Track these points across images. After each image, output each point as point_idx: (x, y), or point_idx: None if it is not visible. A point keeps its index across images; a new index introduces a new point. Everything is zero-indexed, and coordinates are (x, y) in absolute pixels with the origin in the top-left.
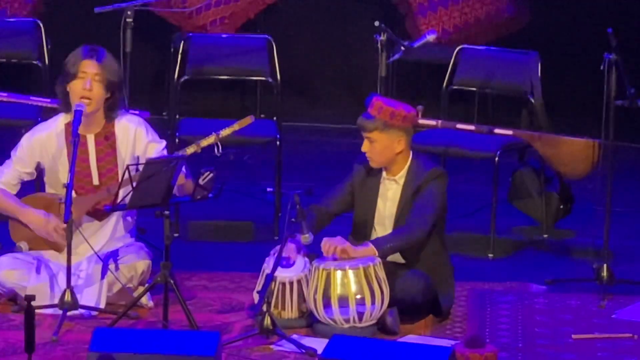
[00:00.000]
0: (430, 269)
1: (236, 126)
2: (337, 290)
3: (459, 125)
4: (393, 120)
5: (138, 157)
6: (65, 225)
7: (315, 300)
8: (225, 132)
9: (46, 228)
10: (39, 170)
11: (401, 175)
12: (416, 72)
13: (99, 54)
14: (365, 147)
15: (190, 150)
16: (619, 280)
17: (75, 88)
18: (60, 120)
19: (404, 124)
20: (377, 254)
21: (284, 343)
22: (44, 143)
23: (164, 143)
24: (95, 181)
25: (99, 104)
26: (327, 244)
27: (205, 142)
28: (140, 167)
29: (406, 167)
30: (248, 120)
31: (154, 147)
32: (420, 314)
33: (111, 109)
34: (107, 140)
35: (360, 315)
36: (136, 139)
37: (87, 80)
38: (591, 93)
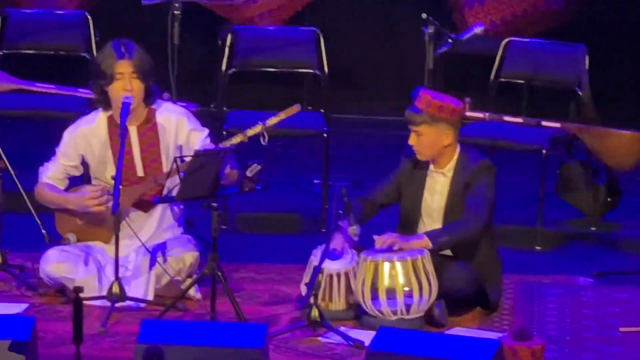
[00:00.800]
0: (478, 261)
1: (282, 115)
2: (384, 282)
3: (507, 118)
4: (441, 114)
5: (181, 147)
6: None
7: (362, 292)
8: (271, 121)
9: (90, 198)
10: (84, 164)
11: (449, 168)
12: (463, 64)
13: (129, 50)
14: (412, 140)
15: (236, 139)
16: None
17: (116, 89)
18: (101, 114)
19: (452, 117)
20: (431, 247)
21: (332, 335)
22: (86, 136)
23: (206, 131)
24: (140, 172)
25: (141, 97)
26: (380, 238)
27: (251, 132)
28: (188, 159)
29: (454, 160)
30: (294, 109)
31: (196, 135)
32: (467, 306)
33: (147, 96)
34: (149, 131)
35: (408, 307)
36: (178, 128)
37: (127, 81)
38: (639, 85)
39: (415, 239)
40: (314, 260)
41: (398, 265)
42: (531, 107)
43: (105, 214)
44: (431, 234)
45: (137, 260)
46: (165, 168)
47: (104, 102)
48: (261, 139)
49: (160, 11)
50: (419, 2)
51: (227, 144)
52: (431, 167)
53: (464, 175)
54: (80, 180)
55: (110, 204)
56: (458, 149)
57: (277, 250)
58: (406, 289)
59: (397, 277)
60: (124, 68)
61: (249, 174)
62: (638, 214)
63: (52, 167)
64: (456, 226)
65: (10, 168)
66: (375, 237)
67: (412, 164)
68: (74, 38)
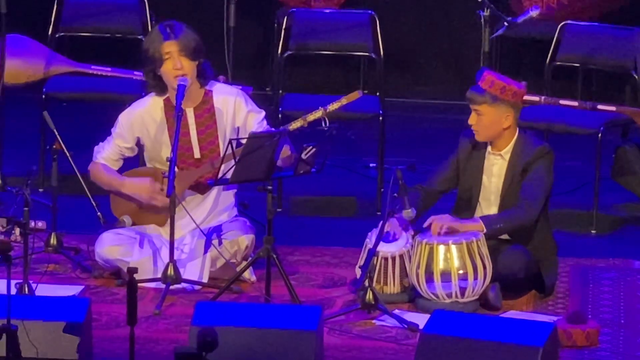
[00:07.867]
0: (533, 245)
1: (344, 100)
2: (439, 265)
3: (562, 102)
4: (503, 95)
5: (238, 128)
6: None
7: (417, 275)
8: (332, 106)
9: (150, 191)
10: (139, 147)
11: (507, 151)
12: (519, 48)
13: (174, 30)
14: (472, 119)
15: (296, 124)
16: None
17: (167, 70)
18: (156, 97)
19: (514, 99)
20: (485, 231)
21: (386, 318)
22: (143, 119)
23: (263, 113)
24: (197, 154)
25: (194, 76)
26: (435, 224)
27: (311, 117)
28: (243, 141)
29: (512, 142)
30: (356, 95)
31: (253, 116)
32: (522, 289)
33: (201, 76)
34: (206, 112)
35: (463, 290)
36: (236, 110)
37: (176, 60)
38: None
39: (471, 222)
40: (369, 243)
41: (453, 248)
42: (587, 90)
43: None
44: (486, 220)
45: (193, 242)
46: (222, 150)
47: (158, 87)
48: (322, 124)
49: None
50: None
51: (289, 128)
52: (489, 148)
53: (522, 159)
54: (134, 161)
55: (165, 188)
56: (517, 132)
57: (332, 233)
58: (461, 272)
59: (452, 260)
60: (171, 47)
61: (304, 156)
62: None
63: (108, 148)
64: (511, 214)
65: (65, 150)
66: (431, 218)
67: (470, 145)
68: (130, 21)
